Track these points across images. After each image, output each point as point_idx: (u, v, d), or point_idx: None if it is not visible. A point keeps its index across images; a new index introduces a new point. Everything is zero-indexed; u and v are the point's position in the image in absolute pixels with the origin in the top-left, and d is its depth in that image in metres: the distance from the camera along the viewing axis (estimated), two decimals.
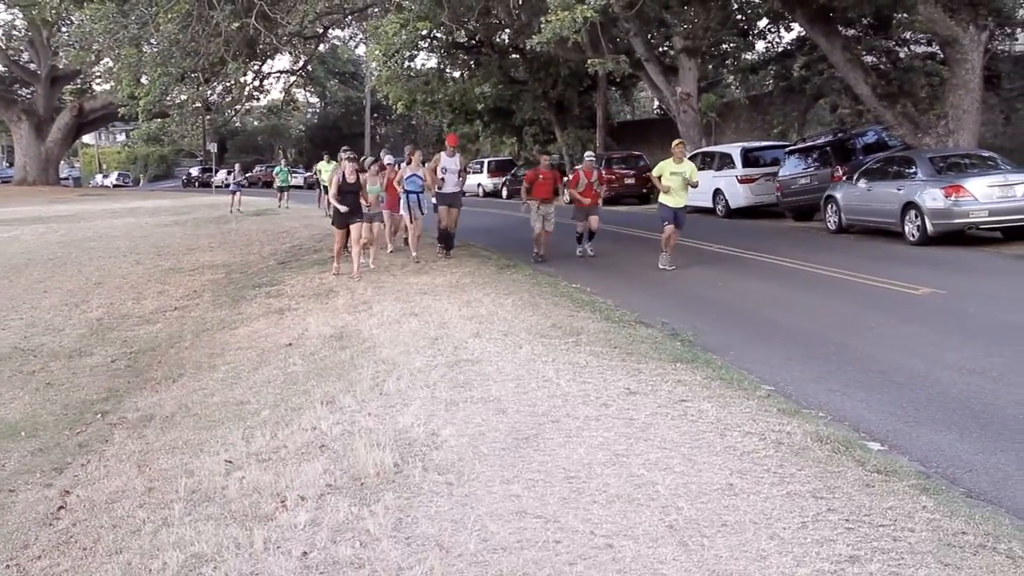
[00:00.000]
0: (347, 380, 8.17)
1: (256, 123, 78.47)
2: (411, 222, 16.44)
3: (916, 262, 14.38)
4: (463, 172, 17.27)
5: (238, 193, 34.75)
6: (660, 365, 8.07)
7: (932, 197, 16.14)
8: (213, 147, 59.02)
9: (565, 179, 18.79)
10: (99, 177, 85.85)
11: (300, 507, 5.17)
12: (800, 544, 4.34)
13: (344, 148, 16.93)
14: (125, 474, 6.68)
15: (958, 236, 16.21)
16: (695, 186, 14.96)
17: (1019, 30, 23.65)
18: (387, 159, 18.07)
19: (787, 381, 7.94)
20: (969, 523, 4.56)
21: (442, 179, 16.29)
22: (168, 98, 20.24)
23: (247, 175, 39.63)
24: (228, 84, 20.49)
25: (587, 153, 17.54)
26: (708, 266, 15.07)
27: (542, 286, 13.23)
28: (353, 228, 14.66)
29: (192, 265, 20.05)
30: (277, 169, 38.41)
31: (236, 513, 5.23)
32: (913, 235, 16.51)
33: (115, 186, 77.36)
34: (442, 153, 16.65)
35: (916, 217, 16.42)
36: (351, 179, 14.43)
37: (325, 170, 27.11)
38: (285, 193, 36.01)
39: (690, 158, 26.95)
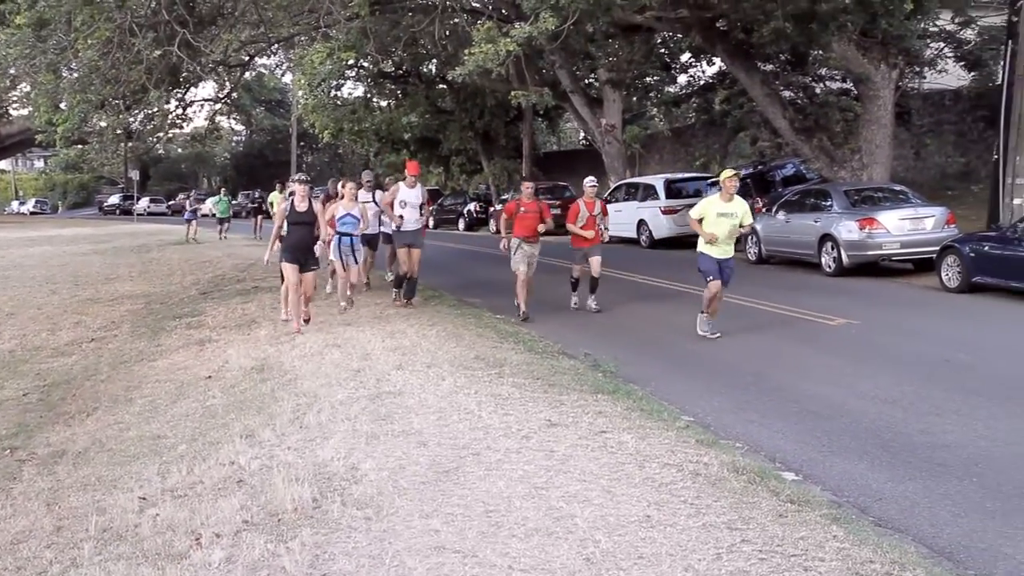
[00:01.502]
0: (267, 413, 8.07)
1: (180, 151, 77.41)
2: (343, 271, 13.98)
3: (832, 293, 14.73)
4: (426, 206, 14.60)
5: (194, 221, 33.92)
6: (582, 396, 8.13)
7: (847, 229, 16.59)
8: (135, 175, 58.06)
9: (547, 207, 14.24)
10: (15, 204, 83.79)
11: (215, 544, 5.08)
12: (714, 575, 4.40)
13: (300, 175, 13.39)
14: (33, 513, 6.48)
15: (872, 267, 16.68)
16: (747, 233, 12.38)
17: (927, 69, 24.49)
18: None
19: (706, 412, 8.07)
20: (877, 552, 4.68)
21: (401, 216, 13.48)
22: (88, 125, 19.84)
23: (197, 203, 38.36)
24: (150, 112, 20.19)
25: (588, 179, 14.13)
26: (632, 297, 15.24)
27: (466, 316, 13.25)
28: (306, 278, 11.84)
29: (111, 295, 19.63)
30: (216, 199, 37.01)
31: (148, 552, 5.12)
32: (830, 266, 16.94)
33: (32, 213, 75.54)
34: (401, 183, 13.96)
35: (832, 249, 16.86)
36: (302, 207, 11.73)
37: (278, 201, 25.31)
38: (226, 224, 34.66)
39: (614, 189, 27.63)
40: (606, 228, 14.02)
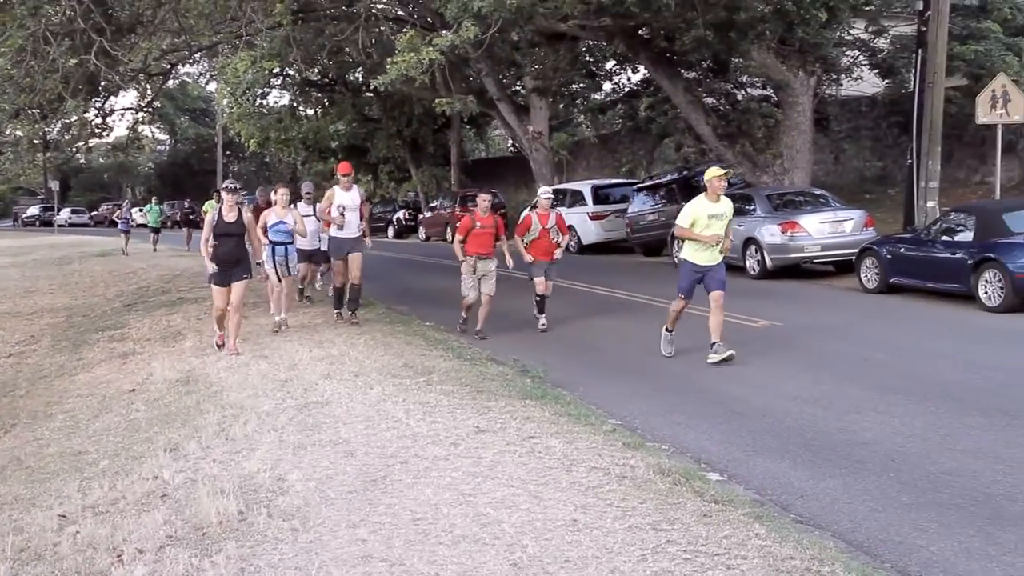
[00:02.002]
0: (192, 426, 7.95)
1: (102, 160, 75.77)
2: (278, 282, 12.82)
3: (756, 295, 14.99)
4: (364, 205, 13.36)
5: (128, 235, 32.25)
6: (510, 402, 8.17)
7: (770, 233, 16.93)
8: (55, 185, 56.75)
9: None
10: None
11: (137, 561, 5.00)
12: None
13: (229, 182, 11.62)
14: None
15: (795, 270, 17.04)
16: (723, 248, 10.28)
17: (843, 76, 25.12)
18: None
19: (634, 415, 8.16)
20: (797, 548, 4.78)
21: (341, 214, 12.44)
22: (2, 135, 19.35)
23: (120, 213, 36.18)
24: (68, 121, 19.76)
25: (542, 189, 13.36)
26: (561, 302, 15.30)
27: (395, 324, 13.21)
28: (235, 287, 10.83)
29: (30, 308, 19.17)
30: (148, 207, 35.58)
31: (68, 571, 5.01)
32: (754, 269, 17.26)
33: None
34: (335, 187, 12.78)
35: (756, 252, 17.19)
36: (230, 217, 10.76)
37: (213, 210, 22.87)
38: (158, 235, 32.96)
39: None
40: (559, 243, 12.79)
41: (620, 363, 10.63)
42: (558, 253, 12.75)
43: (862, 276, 15.14)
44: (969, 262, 13.05)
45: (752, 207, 18.02)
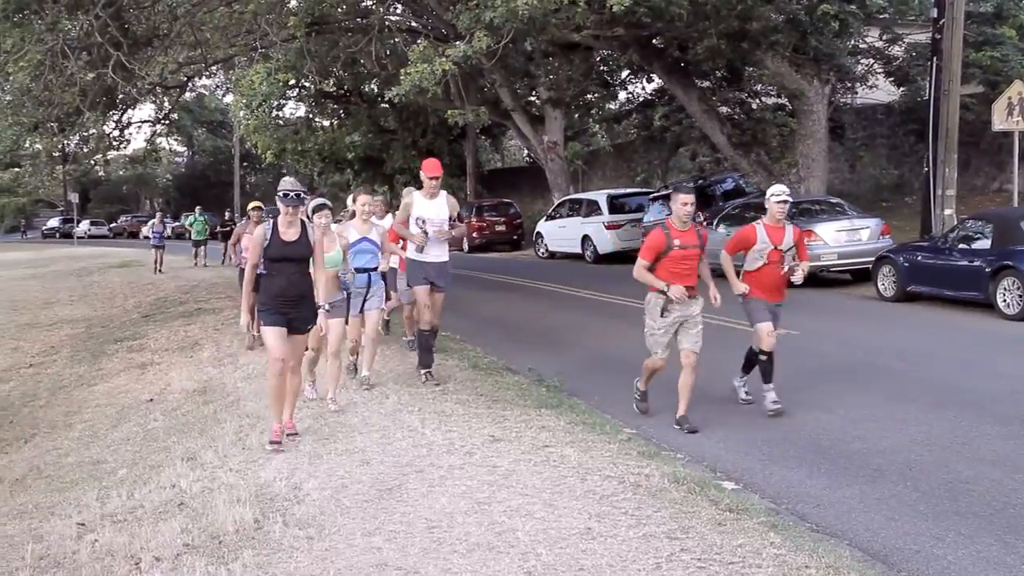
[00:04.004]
0: (209, 435, 8.01)
1: (120, 173, 76.29)
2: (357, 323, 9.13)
3: None
4: (455, 223, 9.66)
5: (162, 250, 28.84)
6: (525, 412, 8.18)
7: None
8: (74, 197, 57.17)
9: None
10: None
11: (155, 569, 5.04)
12: None
13: (287, 183, 7.62)
14: None
15: (810, 278, 16.88)
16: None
17: (858, 84, 25.07)
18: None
19: (649, 424, 8.16)
20: (812, 557, 4.77)
21: (422, 237, 9.16)
22: (21, 148, 19.54)
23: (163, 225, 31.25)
24: (86, 134, 19.93)
25: (774, 189, 8.66)
26: (577, 312, 15.34)
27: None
28: (298, 342, 7.56)
29: (50, 320, 19.31)
30: (191, 219, 32.04)
31: None
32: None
33: None
34: (414, 191, 9.65)
35: None
36: (290, 234, 7.36)
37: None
38: (202, 248, 30.38)
39: (558, 205, 27.84)
40: (795, 272, 8.47)
41: (635, 373, 10.58)
42: (798, 276, 8.44)
43: (879, 284, 15.07)
44: (987, 270, 12.98)
45: None
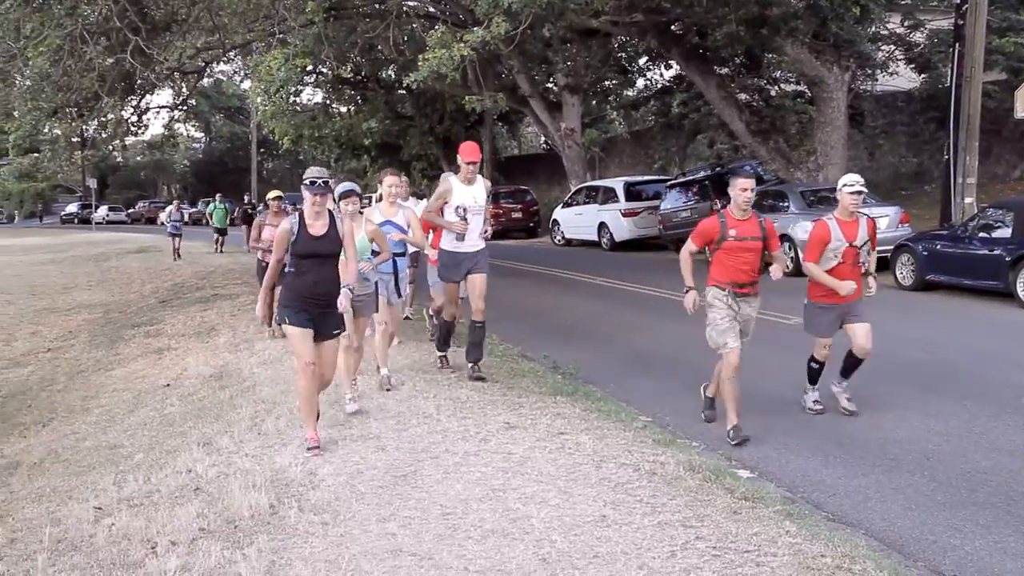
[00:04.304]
0: (225, 420, 8.03)
1: (138, 158, 76.63)
2: (384, 315, 8.62)
3: (788, 292, 14.80)
4: (492, 213, 9.23)
5: (179, 237, 27.99)
6: (540, 399, 8.17)
7: (804, 229, 16.72)
8: (93, 183, 57.46)
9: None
10: None
11: (171, 553, 5.05)
12: (668, 573, 4.45)
13: (313, 171, 6.91)
14: None
15: None
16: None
17: (879, 71, 24.86)
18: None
19: (664, 412, 8.14)
20: (828, 546, 4.75)
21: (463, 225, 8.67)
22: (41, 133, 19.63)
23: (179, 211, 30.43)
24: (104, 119, 20.00)
25: (846, 179, 8.03)
26: (593, 299, 15.31)
27: (424, 321, 13.23)
28: (326, 350, 6.82)
29: (68, 305, 19.42)
30: (211, 207, 31.44)
31: (103, 562, 5.08)
32: (788, 265, 17.08)
33: None
34: (450, 177, 8.94)
35: (790, 249, 17.02)
36: (317, 227, 6.70)
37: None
38: (225, 236, 29.78)
39: (575, 192, 27.78)
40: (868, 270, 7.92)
41: (651, 360, 10.58)
42: (872, 286, 7.89)
43: (897, 273, 14.98)
44: (1008, 259, 12.88)
45: (786, 204, 17.91)
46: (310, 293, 6.64)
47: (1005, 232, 13.39)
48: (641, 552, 4.67)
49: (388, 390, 8.46)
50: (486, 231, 9.01)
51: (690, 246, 7.42)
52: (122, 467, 7.20)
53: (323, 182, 6.68)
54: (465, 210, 8.67)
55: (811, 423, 7.61)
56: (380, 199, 9.09)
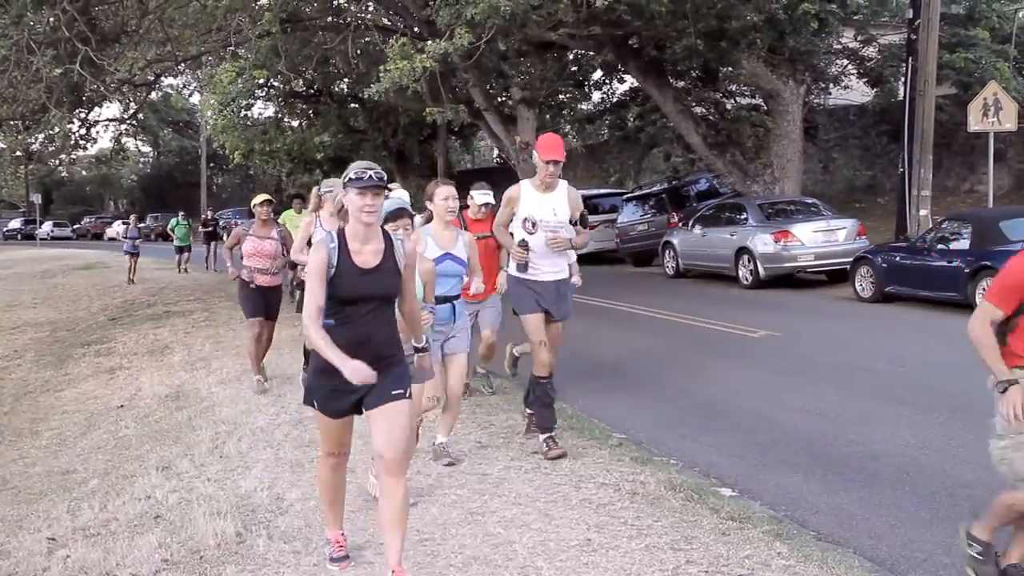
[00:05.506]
0: (184, 443, 7.74)
1: (84, 173, 75.36)
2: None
3: (751, 305, 14.87)
4: (580, 226, 7.08)
5: (137, 256, 26.07)
6: (510, 416, 7.98)
7: (763, 242, 16.83)
8: (37, 198, 56.43)
9: None
10: None
11: None
12: None
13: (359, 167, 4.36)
14: None
15: (787, 279, 16.93)
16: None
17: (832, 85, 25.14)
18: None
19: (637, 428, 7.97)
20: (823, 567, 4.61)
21: (524, 249, 6.69)
22: None
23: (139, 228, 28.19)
24: (51, 132, 19.52)
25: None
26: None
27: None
28: (393, 419, 4.39)
29: (12, 323, 18.88)
30: (174, 223, 29.33)
31: None
32: (747, 279, 17.14)
33: None
34: (523, 183, 7.00)
35: (749, 261, 17.07)
36: (367, 257, 4.34)
37: (291, 222, 14.03)
38: (187, 254, 28.36)
39: None
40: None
41: (618, 374, 10.44)
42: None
43: (857, 285, 15.03)
44: (966, 271, 12.95)
45: (744, 216, 17.96)
46: (357, 345, 4.27)
47: (963, 244, 13.49)
48: None
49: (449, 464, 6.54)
50: (569, 243, 6.79)
51: (993, 312, 4.26)
52: (76, 494, 6.89)
53: (376, 175, 4.31)
54: (535, 224, 6.67)
55: (786, 437, 7.49)
56: (428, 219, 6.79)
